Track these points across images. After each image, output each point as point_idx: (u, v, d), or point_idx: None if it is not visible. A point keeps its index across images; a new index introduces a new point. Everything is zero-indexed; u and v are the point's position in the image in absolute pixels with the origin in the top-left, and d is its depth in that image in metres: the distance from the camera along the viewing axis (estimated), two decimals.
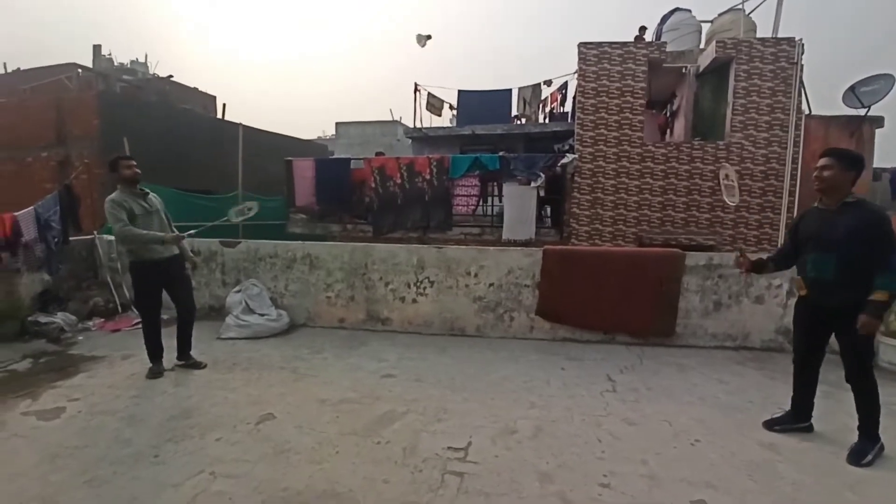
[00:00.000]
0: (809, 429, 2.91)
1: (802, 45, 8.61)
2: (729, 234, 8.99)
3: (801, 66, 8.63)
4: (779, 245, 8.58)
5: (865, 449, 2.60)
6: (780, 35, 9.27)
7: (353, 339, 4.79)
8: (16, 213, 4.85)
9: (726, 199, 3.92)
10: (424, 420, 3.01)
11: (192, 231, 3.87)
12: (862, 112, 8.97)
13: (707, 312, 4.61)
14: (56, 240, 5.05)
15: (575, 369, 3.97)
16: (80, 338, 4.71)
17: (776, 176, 8.79)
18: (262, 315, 4.93)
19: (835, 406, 3.27)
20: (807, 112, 9.05)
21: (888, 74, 8.85)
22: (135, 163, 3.65)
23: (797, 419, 2.93)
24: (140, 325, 3.86)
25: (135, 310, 5.21)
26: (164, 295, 3.79)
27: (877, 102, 8.87)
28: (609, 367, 3.99)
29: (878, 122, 9.12)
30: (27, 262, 4.92)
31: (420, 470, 2.45)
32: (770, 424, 2.95)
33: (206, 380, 3.67)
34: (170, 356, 3.87)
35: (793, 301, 4.42)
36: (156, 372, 3.68)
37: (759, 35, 9.79)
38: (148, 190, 3.75)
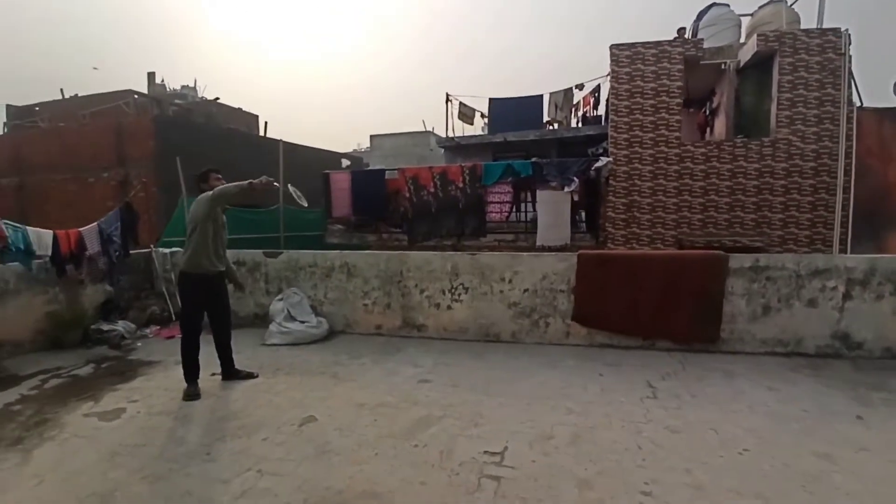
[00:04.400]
0: None
1: (849, 35, 8.15)
2: (778, 234, 8.55)
3: (850, 56, 8.16)
4: (835, 245, 8.09)
5: None
6: (825, 26, 8.81)
7: (389, 345, 4.88)
8: (80, 229, 5.27)
9: None
10: (461, 424, 3.03)
11: (276, 184, 3.62)
12: None
13: (755, 317, 4.40)
14: (117, 253, 5.45)
15: (613, 375, 3.89)
16: (139, 344, 5.04)
17: (828, 172, 8.30)
18: (303, 322, 5.11)
19: (895, 415, 3.06)
20: (858, 104, 8.53)
21: None
22: (221, 177, 3.79)
23: None
24: None
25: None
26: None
27: None
28: (649, 374, 3.87)
29: None
30: (91, 274, 5.32)
31: (457, 473, 2.48)
32: None
33: (252, 384, 3.84)
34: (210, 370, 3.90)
35: (850, 304, 4.22)
36: (192, 394, 3.54)
37: (802, 26, 9.34)
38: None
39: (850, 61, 8.18)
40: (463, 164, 9.51)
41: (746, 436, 2.82)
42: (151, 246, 6.36)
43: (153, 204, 9.66)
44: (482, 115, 13.46)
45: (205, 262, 3.66)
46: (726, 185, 8.74)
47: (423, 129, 21.13)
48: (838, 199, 8.20)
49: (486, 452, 2.67)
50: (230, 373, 3.94)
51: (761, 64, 8.96)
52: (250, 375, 3.96)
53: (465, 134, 13.46)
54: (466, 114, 13.23)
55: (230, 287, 4.06)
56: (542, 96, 12.73)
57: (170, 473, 2.53)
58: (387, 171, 10.22)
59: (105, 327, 5.09)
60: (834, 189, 8.27)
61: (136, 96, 16.14)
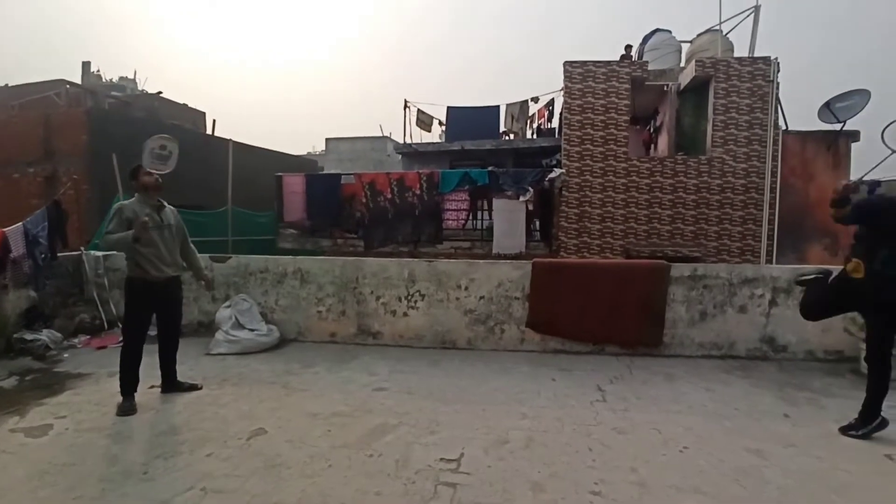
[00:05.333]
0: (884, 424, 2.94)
1: (778, 63, 8.96)
2: (713, 245, 9.19)
3: (777, 83, 8.97)
4: (762, 256, 8.79)
5: (855, 426, 2.97)
6: (756, 55, 9.64)
7: (344, 353, 4.78)
8: (4, 229, 4.80)
9: None
10: (416, 432, 3.01)
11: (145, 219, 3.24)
12: (837, 127, 9.32)
13: (693, 322, 4.69)
14: (43, 256, 5.00)
15: (565, 380, 4.01)
16: (66, 355, 4.64)
17: (756, 189, 9.04)
18: (253, 330, 4.90)
19: (818, 413, 3.35)
20: (784, 128, 9.37)
21: (863, 90, 9.21)
22: (154, 172, 3.51)
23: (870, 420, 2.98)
24: None
25: (120, 326, 5.14)
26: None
27: (852, 117, 9.22)
28: (599, 378, 4.03)
29: (854, 136, 9.48)
30: (14, 279, 4.84)
31: (413, 482, 2.45)
32: (845, 430, 2.99)
33: (196, 396, 3.62)
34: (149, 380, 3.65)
35: (775, 310, 4.59)
36: (127, 409, 3.29)
37: (736, 55, 10.17)
38: (165, 203, 3.61)
39: (777, 88, 8.99)
40: (420, 171, 9.55)
41: (686, 434, 2.99)
42: (82, 248, 5.88)
43: (84, 202, 8.98)
44: (440, 123, 13.58)
45: (147, 266, 3.42)
46: (668, 199, 9.31)
47: (381, 135, 21.00)
48: (765, 214, 8.95)
49: (442, 459, 2.67)
50: (171, 385, 3.70)
51: (699, 87, 9.67)
52: (193, 387, 3.73)
53: (423, 141, 13.53)
54: (424, 121, 13.31)
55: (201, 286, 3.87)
56: (499, 107, 13.05)
57: (103, 494, 2.34)
58: (343, 176, 10.07)
59: (28, 336, 4.65)
60: (761, 205, 9.01)
61: (68, 87, 14.99)
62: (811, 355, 4.54)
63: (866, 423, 2.94)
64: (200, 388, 3.74)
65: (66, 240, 5.58)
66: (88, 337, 5.15)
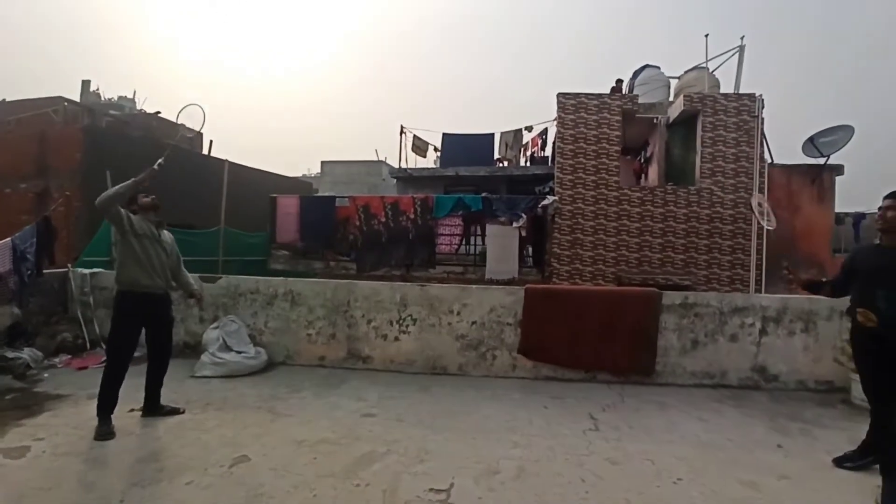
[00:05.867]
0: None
1: (762, 100, 9.28)
2: (703, 274, 9.27)
3: (762, 119, 9.26)
4: (751, 285, 8.87)
5: (851, 458, 2.95)
6: (741, 91, 9.98)
7: (332, 377, 4.69)
8: None
9: (765, 225, 3.71)
10: (405, 461, 2.94)
11: (160, 161, 3.40)
12: (821, 161, 9.60)
13: (685, 350, 4.69)
14: (29, 272, 4.92)
15: (557, 408, 3.95)
16: (46, 375, 4.50)
17: (744, 220, 9.21)
18: (240, 352, 4.80)
19: (811, 444, 3.32)
20: (769, 161, 9.63)
21: (847, 126, 9.54)
22: (151, 199, 3.56)
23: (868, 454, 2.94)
24: None
25: (104, 346, 5.02)
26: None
27: (835, 152, 9.51)
28: (591, 406, 3.98)
29: (838, 169, 9.76)
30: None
31: None
32: (840, 462, 2.96)
33: (178, 420, 3.52)
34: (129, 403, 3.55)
35: (766, 339, 4.60)
36: (105, 433, 3.18)
37: (722, 90, 10.52)
38: (163, 221, 3.64)
39: (762, 123, 9.28)
40: (415, 196, 9.62)
41: (679, 465, 2.94)
42: (69, 265, 5.80)
43: (73, 219, 8.89)
44: (435, 149, 13.78)
45: (142, 278, 3.37)
46: (659, 227, 9.43)
47: (376, 159, 21.21)
48: (753, 244, 9.08)
49: (431, 490, 2.60)
50: (153, 408, 3.59)
51: (687, 121, 9.95)
52: (175, 411, 3.62)
53: (418, 166, 13.69)
54: (420, 146, 13.49)
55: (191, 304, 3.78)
56: (493, 135, 13.29)
57: None
58: (337, 199, 10.11)
59: (10, 354, 4.52)
60: (749, 235, 9.16)
61: (66, 104, 15.07)
62: (802, 385, 4.54)
63: (864, 457, 2.91)
64: (183, 413, 3.63)
65: (53, 257, 5.50)
66: (69, 357, 5.02)
